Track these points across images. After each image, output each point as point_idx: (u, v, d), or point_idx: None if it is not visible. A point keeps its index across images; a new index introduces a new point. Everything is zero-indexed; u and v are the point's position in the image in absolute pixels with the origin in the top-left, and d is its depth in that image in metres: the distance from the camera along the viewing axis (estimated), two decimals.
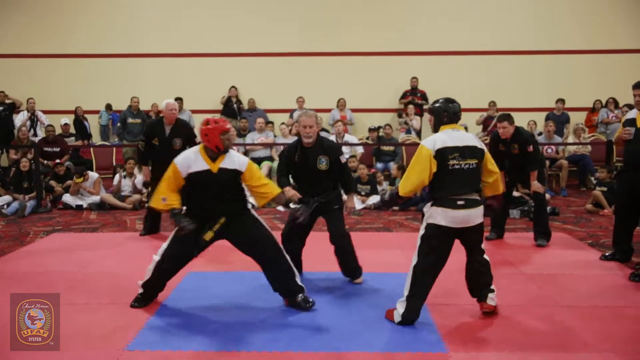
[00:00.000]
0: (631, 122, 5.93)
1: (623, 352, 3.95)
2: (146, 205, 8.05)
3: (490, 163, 4.47)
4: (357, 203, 9.52)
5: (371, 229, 8.09)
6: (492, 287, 4.57)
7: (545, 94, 13.01)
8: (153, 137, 7.31)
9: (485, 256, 4.53)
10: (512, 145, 6.80)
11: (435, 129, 4.44)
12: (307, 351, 3.95)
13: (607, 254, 6.27)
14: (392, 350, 3.95)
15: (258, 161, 11.07)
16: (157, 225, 7.56)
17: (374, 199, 9.54)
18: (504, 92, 13.07)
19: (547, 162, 10.77)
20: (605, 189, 8.93)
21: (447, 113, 4.38)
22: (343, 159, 5.33)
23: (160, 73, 13.68)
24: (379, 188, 9.83)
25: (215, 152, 4.55)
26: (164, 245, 4.68)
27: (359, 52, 13.56)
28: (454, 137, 4.29)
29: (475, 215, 4.29)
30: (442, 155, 4.21)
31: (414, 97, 12.98)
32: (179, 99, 12.43)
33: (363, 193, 9.69)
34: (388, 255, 6.46)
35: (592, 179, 10.60)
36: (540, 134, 11.73)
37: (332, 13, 13.65)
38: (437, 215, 4.24)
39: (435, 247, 4.27)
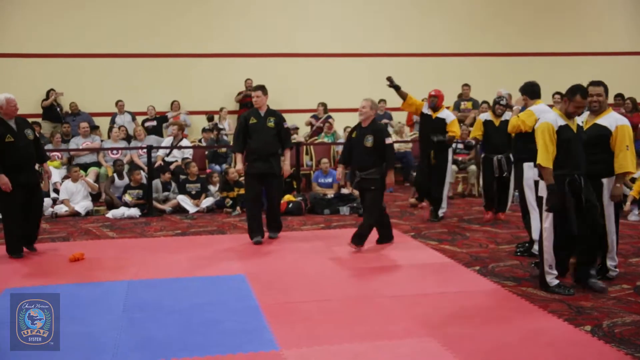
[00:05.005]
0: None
1: (440, 335, 4.26)
2: None
3: None
4: (190, 206, 9.42)
5: (205, 232, 8.01)
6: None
7: (370, 94, 13.59)
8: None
9: None
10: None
11: None
12: None
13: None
14: (223, 353, 3.94)
15: (84, 167, 10.51)
16: None
17: (207, 202, 9.51)
18: (333, 93, 13.50)
19: None
20: None
21: None
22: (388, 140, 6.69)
23: None
24: (213, 189, 9.79)
25: None
26: None
27: (191, 54, 13.35)
28: None
29: None
30: None
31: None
32: None
33: (193, 192, 9.63)
34: (221, 259, 6.44)
35: (413, 173, 11.29)
36: None
37: (160, 14, 13.29)
38: None
39: None
